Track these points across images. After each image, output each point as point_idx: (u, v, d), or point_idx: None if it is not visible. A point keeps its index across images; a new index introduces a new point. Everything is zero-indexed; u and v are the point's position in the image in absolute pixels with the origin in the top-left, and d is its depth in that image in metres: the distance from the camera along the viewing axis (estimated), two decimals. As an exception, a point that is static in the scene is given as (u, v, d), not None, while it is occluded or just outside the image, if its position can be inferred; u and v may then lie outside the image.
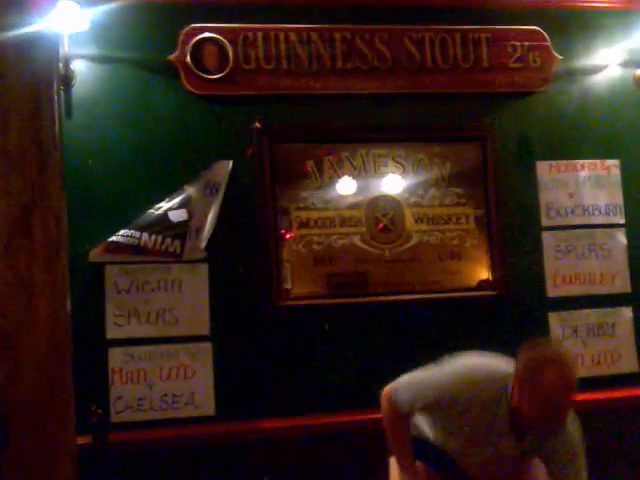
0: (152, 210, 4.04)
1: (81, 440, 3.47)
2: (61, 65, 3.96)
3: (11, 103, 3.26)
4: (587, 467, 3.00)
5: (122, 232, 3.99)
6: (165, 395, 4.05)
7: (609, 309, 4.54)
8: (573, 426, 3.03)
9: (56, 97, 3.49)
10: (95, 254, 3.99)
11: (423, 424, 3.29)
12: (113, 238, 3.99)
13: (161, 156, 4.20)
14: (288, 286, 4.25)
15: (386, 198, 4.43)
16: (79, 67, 4.13)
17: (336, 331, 4.25)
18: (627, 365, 4.53)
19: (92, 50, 4.15)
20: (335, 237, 4.33)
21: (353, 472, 3.98)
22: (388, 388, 3.20)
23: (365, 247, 4.36)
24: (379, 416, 3.26)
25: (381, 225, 4.39)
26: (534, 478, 3.23)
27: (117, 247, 3.98)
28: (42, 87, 3.44)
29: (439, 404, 3.04)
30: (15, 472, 2.93)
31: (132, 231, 3.99)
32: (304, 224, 4.32)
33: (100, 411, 3.59)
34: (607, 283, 4.56)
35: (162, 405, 4.03)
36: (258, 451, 4.03)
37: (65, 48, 4.00)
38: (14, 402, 3.08)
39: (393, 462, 3.36)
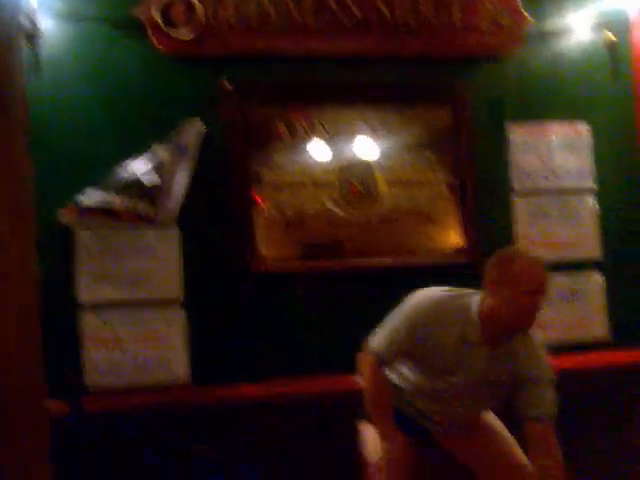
0: (123, 172, 3.95)
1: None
2: (27, 22, 3.85)
3: (-26, 60, 3.13)
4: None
5: (92, 194, 3.90)
6: (138, 361, 4.01)
7: (580, 275, 4.58)
8: (542, 349, 3.24)
9: (21, 54, 3.38)
10: (65, 217, 3.91)
11: (395, 378, 3.33)
12: (83, 200, 3.89)
13: (130, 115, 4.12)
14: (261, 251, 4.19)
15: (359, 162, 4.39)
16: (46, 24, 4.00)
17: (310, 296, 4.23)
18: (597, 331, 4.58)
19: (59, 6, 4.02)
20: (308, 201, 4.29)
21: (330, 437, 3.99)
22: (365, 348, 3.26)
23: (338, 211, 4.32)
24: (356, 382, 3.29)
25: (355, 190, 4.35)
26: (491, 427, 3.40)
27: (87, 210, 3.90)
28: (5, 44, 3.32)
29: (414, 338, 3.13)
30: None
31: (103, 194, 3.90)
32: (277, 188, 4.27)
33: (74, 377, 3.52)
34: (578, 248, 4.58)
35: (135, 371, 4.00)
36: (233, 417, 4.02)
37: (31, 4, 3.88)
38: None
39: (366, 428, 3.36)
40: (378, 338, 3.23)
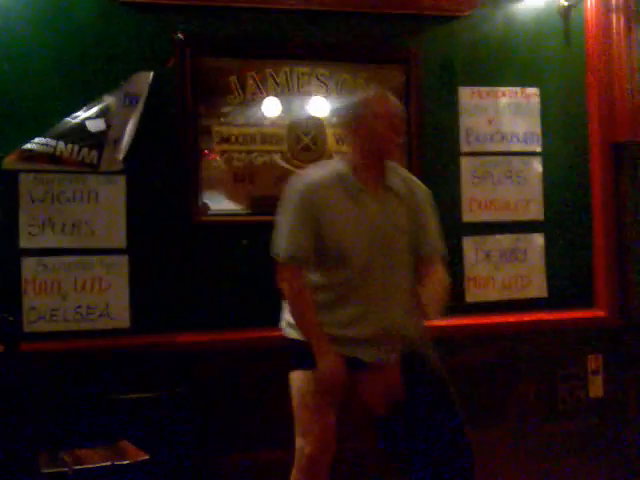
0: (69, 119, 3.95)
1: (-8, 348, 3.46)
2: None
3: None
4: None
5: (37, 140, 3.89)
6: (79, 307, 4.01)
7: (522, 235, 4.65)
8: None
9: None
10: (9, 162, 3.89)
11: (320, 298, 3.29)
12: (28, 146, 3.89)
13: (80, 64, 4.08)
14: (207, 202, 4.21)
15: (309, 117, 4.41)
16: (-4, -32, 3.97)
17: (254, 248, 4.23)
18: (536, 290, 4.67)
19: (11, -50, 3.98)
20: (256, 154, 4.31)
21: (267, 387, 4.03)
22: (278, 261, 3.29)
23: (286, 166, 4.34)
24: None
25: (304, 145, 4.37)
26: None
27: (32, 155, 3.89)
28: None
29: (313, 223, 3.20)
30: None
31: (48, 139, 3.90)
32: (225, 140, 4.28)
33: (11, 319, 3.53)
34: (521, 210, 4.65)
35: (76, 316, 4.00)
36: (172, 364, 4.06)
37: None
38: None
39: (295, 376, 3.35)
40: (284, 244, 3.24)
